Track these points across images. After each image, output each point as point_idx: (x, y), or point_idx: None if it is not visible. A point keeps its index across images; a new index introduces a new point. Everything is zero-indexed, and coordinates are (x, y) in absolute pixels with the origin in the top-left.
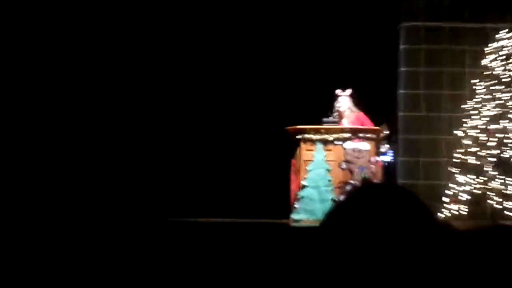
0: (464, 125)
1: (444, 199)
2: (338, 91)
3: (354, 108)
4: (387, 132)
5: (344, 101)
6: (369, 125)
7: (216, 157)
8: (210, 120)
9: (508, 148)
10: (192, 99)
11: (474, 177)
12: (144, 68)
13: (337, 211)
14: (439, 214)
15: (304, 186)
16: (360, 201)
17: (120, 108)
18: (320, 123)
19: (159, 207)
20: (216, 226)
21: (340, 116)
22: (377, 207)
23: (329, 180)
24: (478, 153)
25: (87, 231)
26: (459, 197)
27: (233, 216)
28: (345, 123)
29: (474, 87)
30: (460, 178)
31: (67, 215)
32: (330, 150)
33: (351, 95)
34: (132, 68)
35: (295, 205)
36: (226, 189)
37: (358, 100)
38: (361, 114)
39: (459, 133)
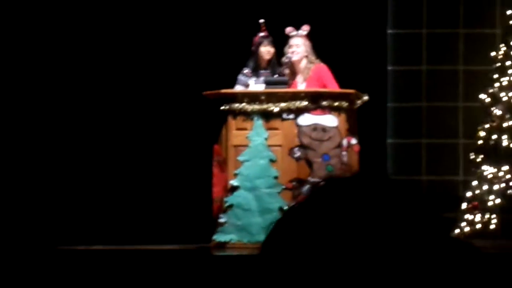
0: (496, 84)
1: (461, 204)
2: (288, 30)
3: (313, 58)
4: (367, 97)
5: (298, 45)
6: (338, 85)
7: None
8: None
9: None
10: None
11: (509, 168)
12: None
13: (286, 228)
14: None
15: (234, 188)
16: (326, 210)
17: None
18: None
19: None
20: (99, 255)
21: (292, 72)
22: (358, 219)
23: (275, 178)
24: None
25: None
26: (486, 201)
27: (123, 239)
28: (301, 83)
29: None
30: (487, 171)
31: None
32: (275, 128)
33: (309, 36)
34: None
35: (220, 220)
36: (111, 194)
37: (321, 45)
38: (325, 69)
39: (486, 98)
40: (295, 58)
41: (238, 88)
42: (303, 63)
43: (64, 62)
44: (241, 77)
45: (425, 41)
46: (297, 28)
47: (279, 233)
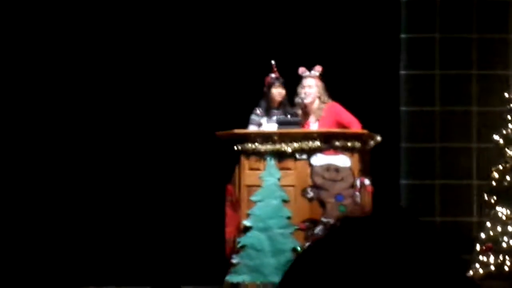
0: (509, 125)
1: (475, 246)
2: (301, 70)
3: (326, 98)
4: (380, 138)
5: (311, 86)
6: (353, 125)
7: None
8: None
9: None
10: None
11: None
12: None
13: (302, 269)
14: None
15: (247, 228)
16: (342, 250)
17: None
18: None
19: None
20: None
21: (305, 112)
22: (374, 260)
23: (287, 218)
24: None
25: None
26: (500, 243)
27: (136, 280)
28: (313, 124)
29: None
30: (501, 212)
31: None
32: (288, 168)
33: (322, 76)
34: None
35: (233, 260)
36: (122, 235)
37: (333, 86)
38: (338, 106)
39: (500, 139)
40: (307, 100)
41: (251, 128)
42: (316, 103)
43: (77, 97)
44: (253, 117)
45: (438, 82)
46: (310, 68)
47: (295, 273)
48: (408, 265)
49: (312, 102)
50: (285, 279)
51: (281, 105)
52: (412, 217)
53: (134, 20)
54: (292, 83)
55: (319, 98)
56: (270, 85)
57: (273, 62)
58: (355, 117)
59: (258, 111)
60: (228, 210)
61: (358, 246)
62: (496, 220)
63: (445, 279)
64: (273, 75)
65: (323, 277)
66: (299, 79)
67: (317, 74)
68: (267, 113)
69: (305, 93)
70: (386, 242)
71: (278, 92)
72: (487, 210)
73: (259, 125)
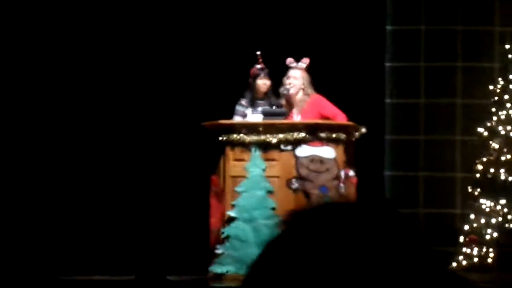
0: (493, 118)
1: (459, 237)
2: (289, 60)
3: (310, 90)
4: (364, 130)
5: (296, 77)
6: (337, 117)
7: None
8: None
9: None
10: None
11: (507, 202)
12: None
13: (272, 256)
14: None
15: (231, 219)
16: (315, 237)
17: None
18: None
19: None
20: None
21: (289, 104)
22: (347, 247)
23: (272, 209)
24: None
25: None
26: (483, 235)
27: (121, 270)
28: (296, 116)
29: (510, 55)
30: (484, 204)
31: None
32: (273, 159)
33: (308, 69)
34: None
35: (217, 251)
36: (107, 225)
37: (319, 78)
38: (322, 99)
39: (484, 132)
40: (291, 91)
41: (237, 119)
42: (299, 95)
43: (66, 93)
44: (238, 108)
45: (423, 74)
46: (297, 60)
47: (262, 265)
48: (386, 258)
49: (295, 94)
50: (253, 270)
51: (266, 96)
52: (389, 209)
53: (120, 14)
54: (278, 74)
55: (303, 90)
56: (256, 76)
57: (258, 53)
58: (340, 109)
59: (243, 101)
60: (213, 201)
61: (328, 236)
62: (479, 212)
63: (424, 271)
64: (258, 66)
65: (291, 268)
66: (284, 70)
67: (304, 66)
68: (252, 104)
69: (289, 84)
70: (358, 231)
71: (263, 83)
72: (471, 202)
73: (244, 115)
